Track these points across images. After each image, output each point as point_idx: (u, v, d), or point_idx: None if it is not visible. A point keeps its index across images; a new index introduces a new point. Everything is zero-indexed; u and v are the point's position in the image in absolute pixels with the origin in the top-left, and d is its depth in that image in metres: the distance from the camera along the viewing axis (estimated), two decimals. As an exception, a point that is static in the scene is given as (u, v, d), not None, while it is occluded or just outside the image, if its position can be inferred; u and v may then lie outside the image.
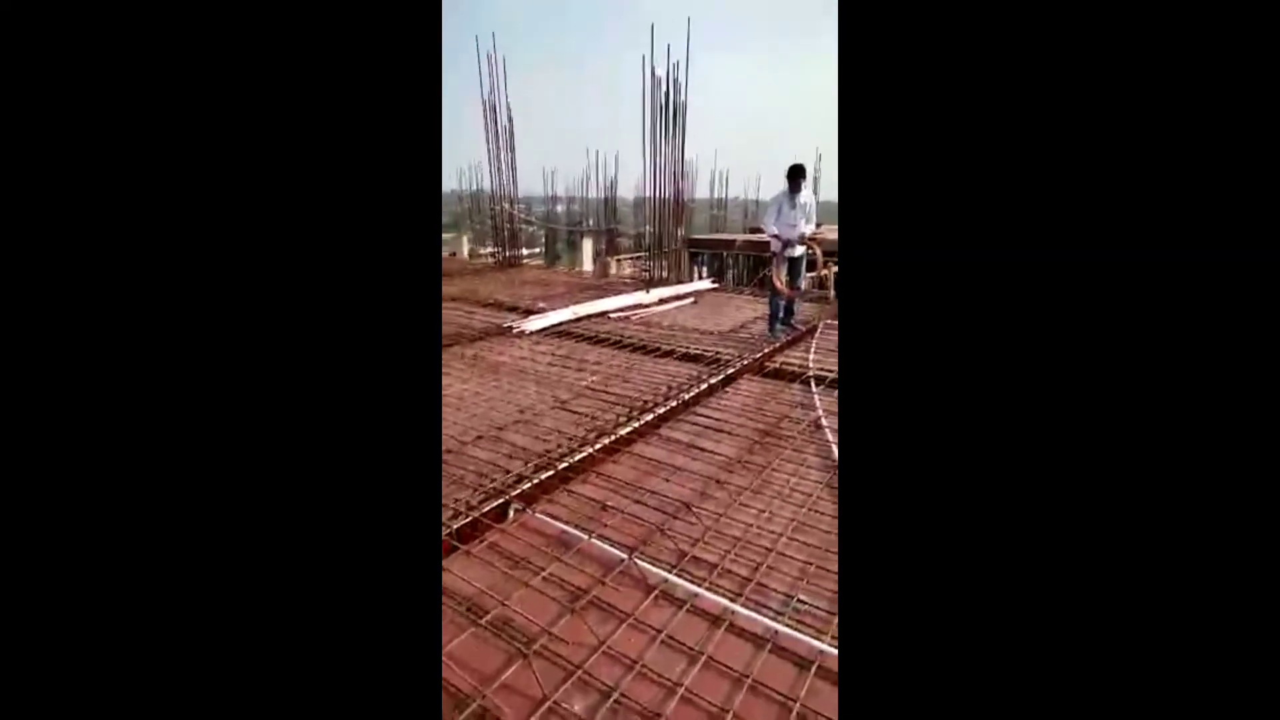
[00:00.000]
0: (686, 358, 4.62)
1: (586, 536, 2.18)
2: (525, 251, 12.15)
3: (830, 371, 4.20)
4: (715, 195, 18.13)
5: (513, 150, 9.80)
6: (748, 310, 6.55)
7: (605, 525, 2.28)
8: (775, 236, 5.24)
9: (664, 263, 8.54)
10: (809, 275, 6.13)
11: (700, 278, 10.64)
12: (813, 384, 3.97)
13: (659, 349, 4.82)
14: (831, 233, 9.12)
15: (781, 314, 5.46)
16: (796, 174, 5.02)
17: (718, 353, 4.69)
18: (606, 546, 2.14)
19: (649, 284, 7.65)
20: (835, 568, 2.07)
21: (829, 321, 5.87)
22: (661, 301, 6.92)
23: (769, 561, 2.10)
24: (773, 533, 2.28)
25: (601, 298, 6.77)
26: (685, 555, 2.12)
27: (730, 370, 4.21)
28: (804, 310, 6.30)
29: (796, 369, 4.34)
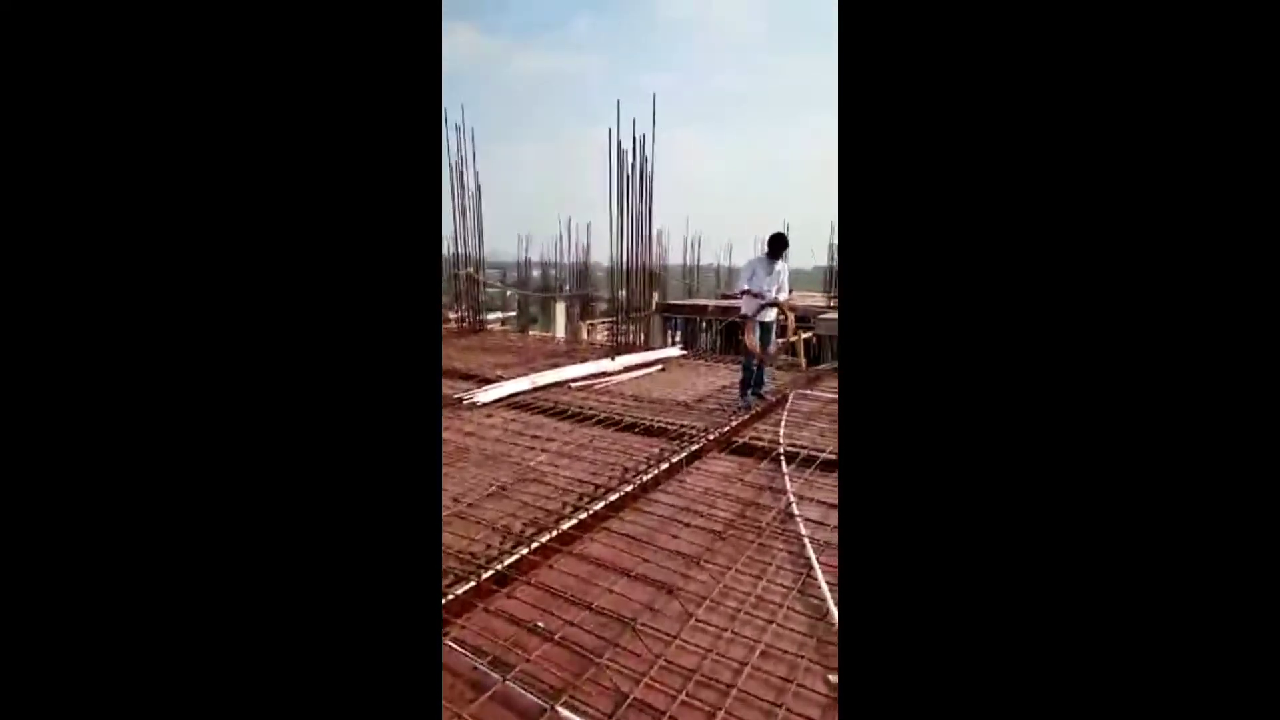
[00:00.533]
0: (649, 431, 4.28)
1: (501, 679, 1.75)
2: (492, 315, 11.88)
3: (803, 447, 3.89)
4: (688, 262, 18.32)
5: (480, 216, 9.73)
6: (717, 378, 6.28)
7: (529, 658, 1.86)
8: (747, 292, 5.05)
9: (633, 328, 8.32)
10: (778, 341, 5.94)
11: (673, 343, 10.46)
12: (783, 462, 3.64)
13: (620, 421, 4.47)
14: (801, 301, 9.08)
15: (753, 382, 5.20)
16: (778, 243, 4.90)
17: (682, 426, 4.35)
18: (525, 692, 1.71)
19: (615, 351, 7.37)
20: (807, 710, 1.67)
21: (801, 391, 5.62)
22: (627, 369, 6.62)
23: (728, 705, 1.69)
24: (734, 662, 1.88)
25: (566, 365, 6.46)
26: (626, 699, 1.70)
27: (694, 446, 3.87)
28: (775, 379, 6.06)
29: (767, 444, 4.02)
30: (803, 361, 7.32)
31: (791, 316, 5.51)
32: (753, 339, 5.07)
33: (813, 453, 3.76)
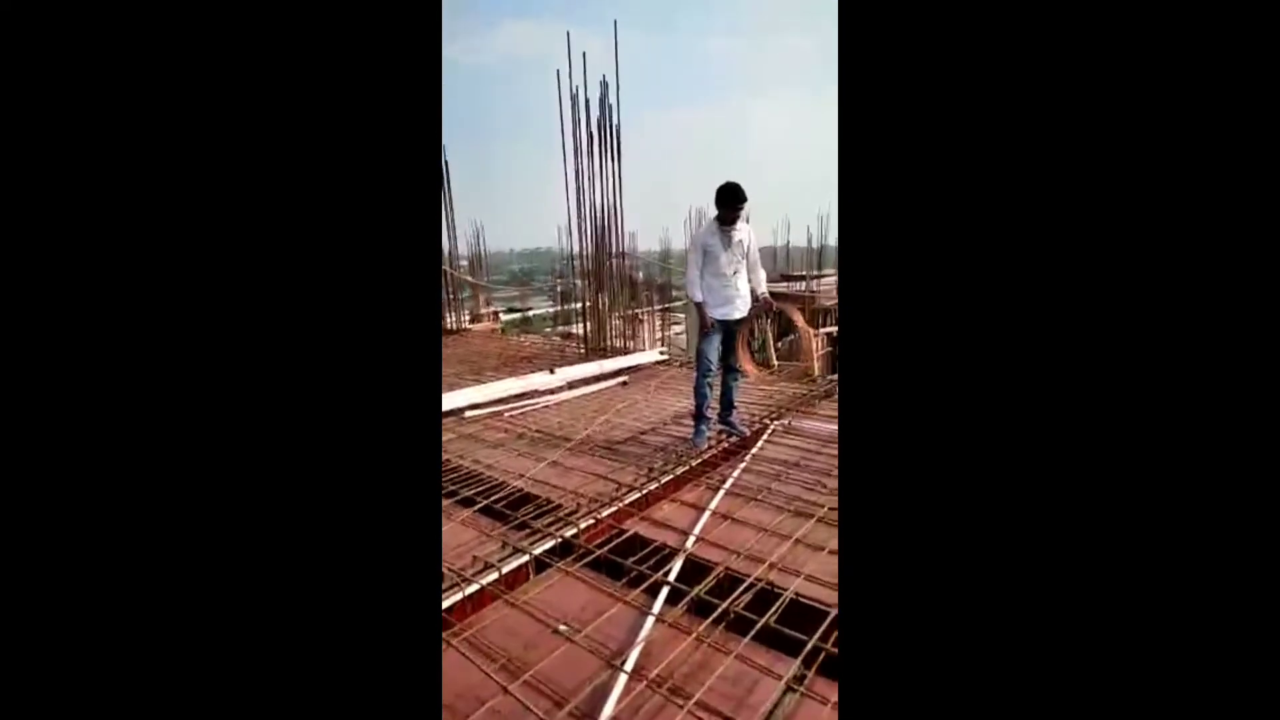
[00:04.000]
0: (505, 507, 2.67)
1: None
2: (508, 315, 10.46)
3: (741, 574, 2.18)
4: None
5: (451, 209, 8.40)
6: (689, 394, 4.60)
7: None
8: (700, 305, 3.34)
9: (592, 327, 6.64)
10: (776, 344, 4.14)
11: (664, 344, 8.73)
12: (658, 601, 1.96)
13: (474, 483, 2.89)
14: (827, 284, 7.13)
15: (704, 409, 3.48)
16: (730, 197, 3.14)
17: (565, 494, 2.73)
18: None
19: (556, 363, 5.75)
20: None
21: (786, 422, 3.84)
22: (571, 385, 5.03)
23: None
24: None
25: (493, 380, 4.94)
26: None
27: (549, 544, 2.25)
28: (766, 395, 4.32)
29: (676, 538, 2.34)
30: (819, 372, 5.48)
31: (796, 313, 3.67)
32: (709, 343, 3.36)
33: (770, 586, 2.02)
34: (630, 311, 7.90)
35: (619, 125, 6.00)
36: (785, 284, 10.91)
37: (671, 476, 2.90)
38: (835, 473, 2.96)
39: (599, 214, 6.18)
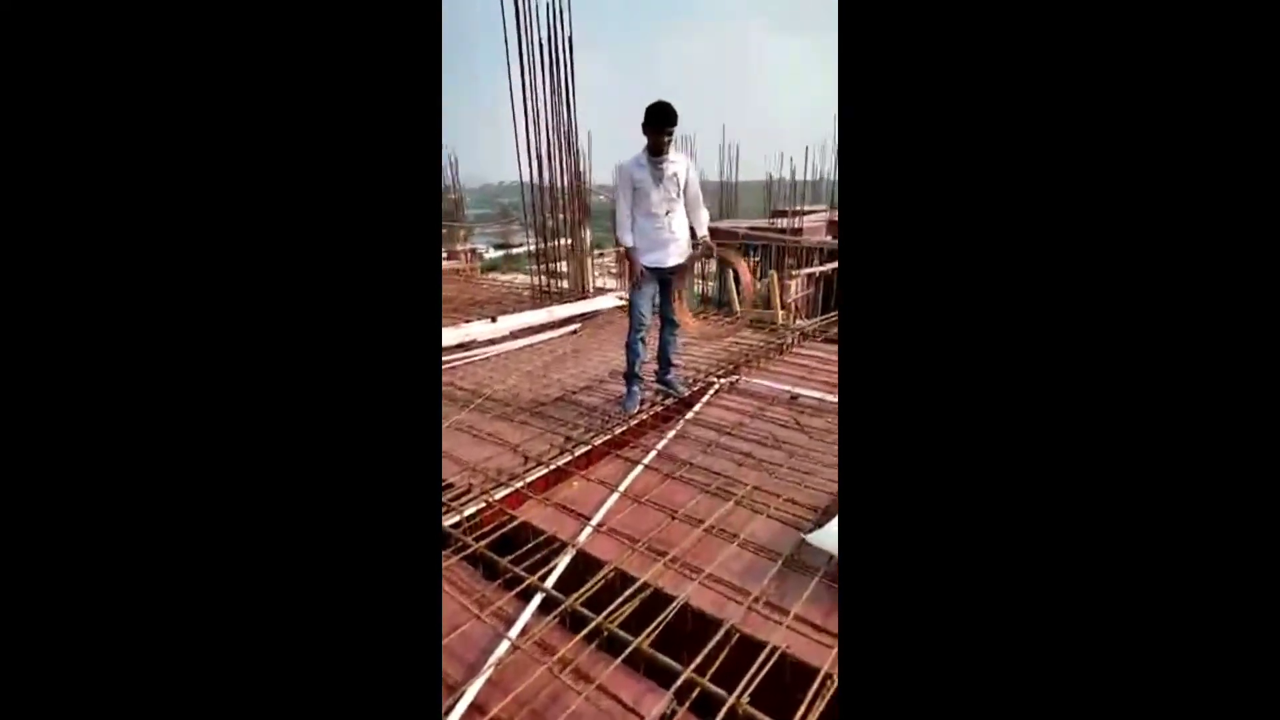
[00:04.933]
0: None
1: None
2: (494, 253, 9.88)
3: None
4: (724, 177, 15.61)
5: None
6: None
7: None
8: (629, 251, 2.95)
9: (562, 267, 6.21)
10: (742, 290, 3.78)
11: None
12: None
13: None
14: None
15: (638, 367, 3.15)
16: (657, 118, 2.67)
17: (464, 470, 2.44)
18: None
19: (502, 309, 5.35)
20: None
21: (733, 380, 3.52)
22: (514, 335, 4.67)
23: None
24: None
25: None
26: None
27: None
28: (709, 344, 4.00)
29: (575, 526, 2.06)
30: (782, 315, 5.11)
31: (740, 262, 3.24)
32: (642, 294, 2.99)
33: (659, 592, 1.76)
34: (596, 252, 7.44)
35: (571, 37, 5.35)
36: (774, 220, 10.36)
37: (587, 449, 2.61)
38: (771, 441, 2.67)
39: (554, 139, 5.62)
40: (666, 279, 3.04)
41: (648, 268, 2.93)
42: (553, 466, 2.44)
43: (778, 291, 4.92)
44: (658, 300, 3.06)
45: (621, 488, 2.31)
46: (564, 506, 2.22)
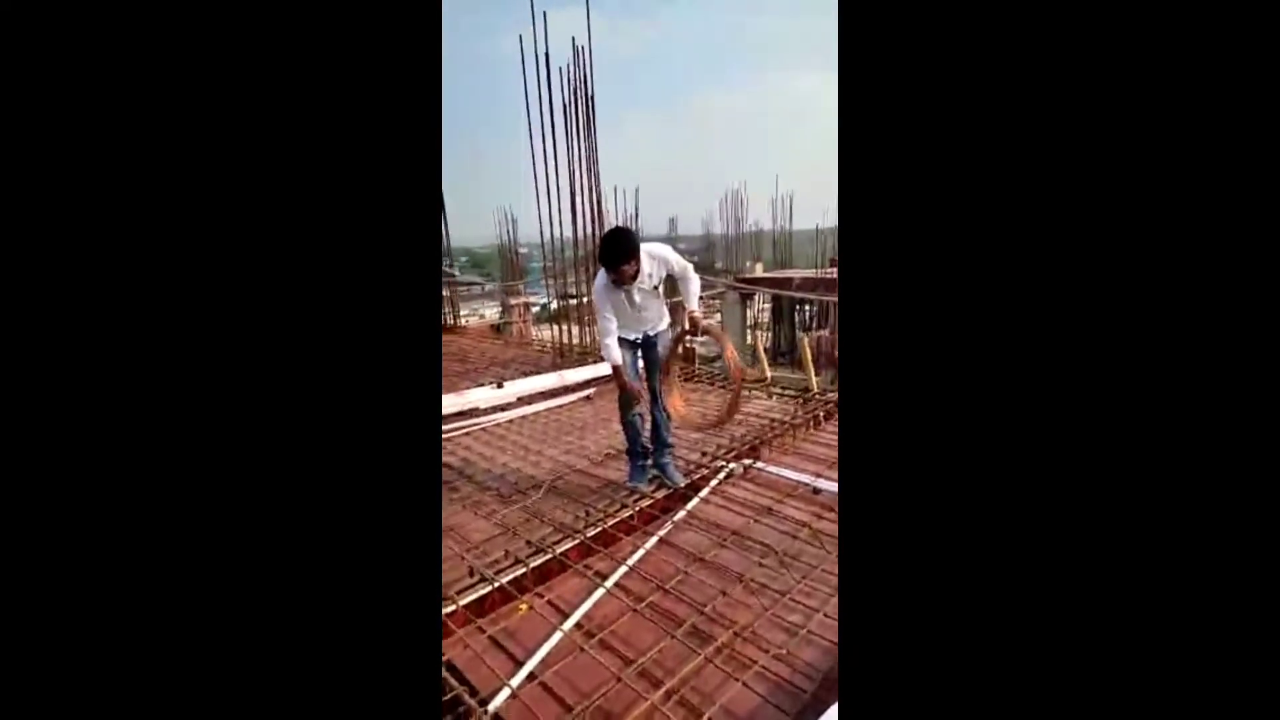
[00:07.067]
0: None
1: None
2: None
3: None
4: (779, 226, 15.22)
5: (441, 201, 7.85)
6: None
7: None
8: (617, 369, 2.59)
9: (568, 327, 5.86)
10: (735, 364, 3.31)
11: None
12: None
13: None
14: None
15: (639, 449, 2.74)
16: (609, 257, 2.33)
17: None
18: None
19: (505, 374, 5.04)
20: None
21: (747, 464, 3.01)
22: (523, 401, 4.36)
23: None
24: None
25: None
26: None
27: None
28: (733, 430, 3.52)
29: (505, 670, 1.63)
30: (813, 381, 4.56)
31: (727, 343, 2.77)
32: (627, 377, 2.60)
33: None
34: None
35: (593, 95, 5.22)
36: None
37: (551, 556, 2.18)
38: (778, 555, 2.16)
39: (578, 195, 5.44)
40: (650, 343, 2.66)
41: (628, 339, 2.60)
42: (499, 584, 2.02)
43: (809, 357, 4.39)
44: (641, 367, 2.69)
45: (574, 619, 1.86)
46: (497, 642, 1.80)
